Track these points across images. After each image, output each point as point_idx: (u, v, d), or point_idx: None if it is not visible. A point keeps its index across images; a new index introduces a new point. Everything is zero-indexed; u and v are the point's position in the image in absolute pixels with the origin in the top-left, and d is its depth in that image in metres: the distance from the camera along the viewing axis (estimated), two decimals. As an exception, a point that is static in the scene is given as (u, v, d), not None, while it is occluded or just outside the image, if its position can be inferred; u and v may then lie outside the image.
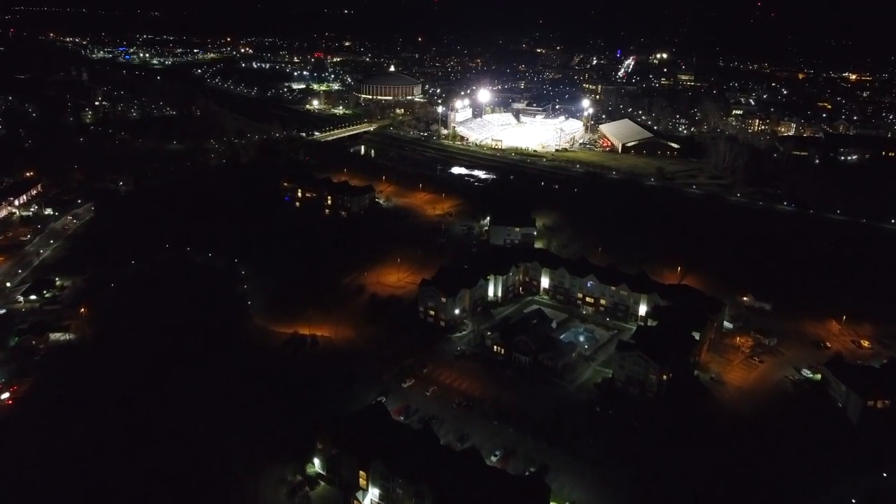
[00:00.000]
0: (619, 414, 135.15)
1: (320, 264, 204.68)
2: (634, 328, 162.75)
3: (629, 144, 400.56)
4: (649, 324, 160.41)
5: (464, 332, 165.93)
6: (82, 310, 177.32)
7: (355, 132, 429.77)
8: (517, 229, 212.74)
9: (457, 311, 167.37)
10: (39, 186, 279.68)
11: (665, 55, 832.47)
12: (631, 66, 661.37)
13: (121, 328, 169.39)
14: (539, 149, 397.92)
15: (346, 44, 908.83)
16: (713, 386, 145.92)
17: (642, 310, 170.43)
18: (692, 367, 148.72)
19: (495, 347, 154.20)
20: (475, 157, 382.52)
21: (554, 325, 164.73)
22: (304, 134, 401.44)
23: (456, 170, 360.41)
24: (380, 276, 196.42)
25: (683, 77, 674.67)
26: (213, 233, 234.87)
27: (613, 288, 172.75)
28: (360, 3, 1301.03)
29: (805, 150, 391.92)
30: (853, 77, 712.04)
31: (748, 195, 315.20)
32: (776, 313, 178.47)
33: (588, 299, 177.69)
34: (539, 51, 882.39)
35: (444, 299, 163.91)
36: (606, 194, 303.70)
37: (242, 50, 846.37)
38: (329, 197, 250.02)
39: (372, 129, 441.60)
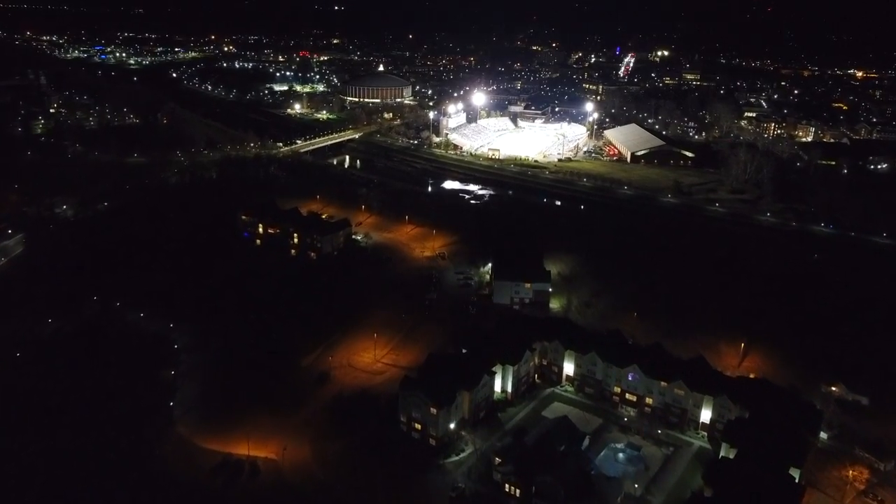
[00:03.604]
0: None
1: (276, 335, 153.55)
2: (697, 443, 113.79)
3: (639, 153, 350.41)
4: (723, 449, 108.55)
5: (462, 455, 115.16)
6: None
7: (339, 140, 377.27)
8: (527, 286, 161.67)
9: (452, 425, 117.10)
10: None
11: (666, 52, 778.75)
12: (631, 64, 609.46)
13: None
14: (540, 158, 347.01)
15: (335, 41, 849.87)
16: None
17: (705, 415, 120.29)
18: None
19: (508, 486, 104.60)
20: (470, 169, 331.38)
21: (586, 441, 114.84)
22: (280, 143, 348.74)
23: (449, 184, 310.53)
24: (351, 355, 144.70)
25: (689, 76, 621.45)
26: (154, 278, 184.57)
27: (665, 384, 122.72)
28: (350, 0, 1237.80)
29: (833, 160, 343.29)
30: (859, 74, 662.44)
31: (777, 213, 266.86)
32: (876, 410, 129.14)
33: (629, 396, 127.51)
34: (535, 48, 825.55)
35: (433, 410, 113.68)
36: (623, 218, 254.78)
37: (226, 48, 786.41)
38: (296, 234, 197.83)
39: (357, 136, 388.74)
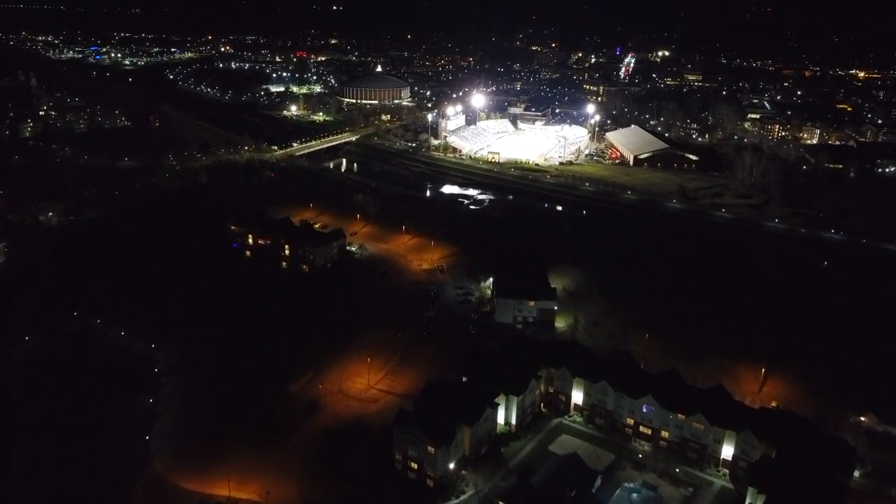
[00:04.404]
0: None
1: (264, 356, 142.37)
2: (719, 483, 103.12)
3: (642, 156, 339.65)
4: (750, 495, 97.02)
5: (463, 498, 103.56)
6: None
7: (335, 143, 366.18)
8: (531, 303, 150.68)
9: (451, 465, 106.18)
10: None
11: (666, 52, 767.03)
12: (632, 65, 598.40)
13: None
14: (541, 162, 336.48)
15: (333, 41, 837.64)
16: None
17: (726, 451, 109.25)
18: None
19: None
20: (470, 173, 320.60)
21: (598, 482, 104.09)
22: (275, 147, 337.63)
23: (448, 189, 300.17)
24: (343, 380, 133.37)
25: (690, 77, 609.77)
26: (138, 292, 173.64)
27: (682, 417, 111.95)
28: (348, 0, 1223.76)
29: (840, 163, 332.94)
30: (861, 74, 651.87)
31: (786, 218, 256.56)
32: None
33: (643, 429, 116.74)
34: (534, 48, 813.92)
35: (431, 448, 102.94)
36: (627, 225, 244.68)
37: (223, 49, 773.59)
38: (287, 246, 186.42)
39: (354, 139, 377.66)
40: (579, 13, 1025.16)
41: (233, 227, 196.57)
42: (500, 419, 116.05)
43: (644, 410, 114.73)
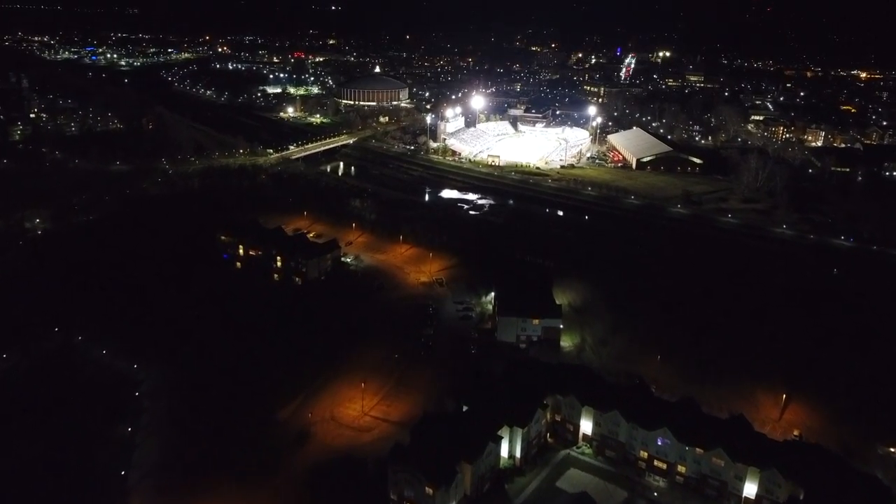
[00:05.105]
0: None
1: (252, 378, 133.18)
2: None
3: (645, 159, 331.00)
4: None
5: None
6: None
7: (332, 146, 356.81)
8: (535, 322, 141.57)
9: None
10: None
11: (667, 53, 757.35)
12: (633, 66, 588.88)
13: None
14: (542, 165, 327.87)
15: (331, 42, 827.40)
16: None
17: (749, 489, 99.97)
18: None
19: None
20: (469, 176, 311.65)
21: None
22: (270, 150, 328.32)
23: (447, 193, 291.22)
24: (335, 406, 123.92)
25: (692, 78, 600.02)
26: (122, 306, 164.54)
27: (701, 451, 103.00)
28: (347, 0, 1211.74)
29: (847, 166, 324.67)
30: (863, 75, 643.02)
31: (794, 224, 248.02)
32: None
33: (657, 463, 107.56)
34: (534, 49, 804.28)
35: (430, 490, 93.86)
36: (631, 230, 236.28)
37: (220, 49, 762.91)
38: (279, 258, 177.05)
39: (351, 141, 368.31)
40: (579, 13, 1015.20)
41: (223, 237, 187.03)
42: (504, 452, 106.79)
43: (659, 443, 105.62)
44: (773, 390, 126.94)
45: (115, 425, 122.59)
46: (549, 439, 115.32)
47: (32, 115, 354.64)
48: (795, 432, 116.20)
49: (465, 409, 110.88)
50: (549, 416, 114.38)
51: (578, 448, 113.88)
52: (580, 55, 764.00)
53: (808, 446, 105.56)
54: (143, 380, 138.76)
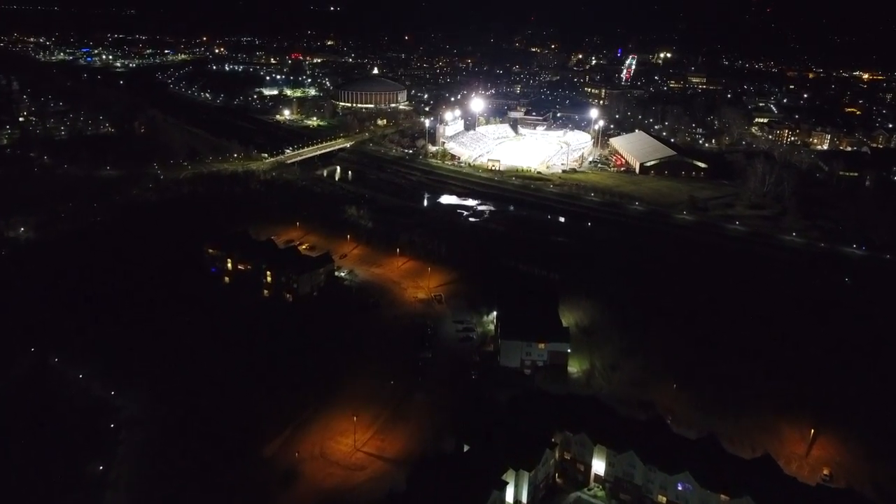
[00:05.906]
0: None
1: (237, 409, 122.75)
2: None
3: (648, 164, 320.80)
4: None
5: None
6: None
7: (328, 150, 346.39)
8: (541, 346, 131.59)
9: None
10: None
11: (668, 54, 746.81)
12: (633, 67, 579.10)
13: None
14: (543, 170, 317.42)
15: (329, 43, 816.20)
16: None
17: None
18: None
19: None
20: (469, 181, 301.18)
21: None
22: (265, 154, 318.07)
23: (446, 199, 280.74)
24: (325, 440, 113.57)
25: (694, 79, 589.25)
26: (103, 324, 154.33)
27: (726, 498, 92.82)
28: (346, 0, 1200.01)
29: (855, 170, 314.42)
30: (866, 76, 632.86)
31: (803, 231, 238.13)
32: None
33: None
34: (533, 50, 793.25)
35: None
36: (636, 237, 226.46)
37: (217, 50, 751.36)
38: (269, 272, 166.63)
39: (349, 145, 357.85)
40: (579, 14, 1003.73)
41: (210, 251, 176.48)
42: (509, 497, 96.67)
43: (679, 488, 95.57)
44: (798, 422, 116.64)
45: (87, 461, 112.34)
46: (557, 480, 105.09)
47: (21, 119, 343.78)
48: (825, 471, 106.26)
49: (465, 448, 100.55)
50: (557, 455, 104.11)
51: (590, 490, 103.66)
52: (580, 56, 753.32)
53: (841, 493, 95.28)
54: (120, 407, 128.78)
